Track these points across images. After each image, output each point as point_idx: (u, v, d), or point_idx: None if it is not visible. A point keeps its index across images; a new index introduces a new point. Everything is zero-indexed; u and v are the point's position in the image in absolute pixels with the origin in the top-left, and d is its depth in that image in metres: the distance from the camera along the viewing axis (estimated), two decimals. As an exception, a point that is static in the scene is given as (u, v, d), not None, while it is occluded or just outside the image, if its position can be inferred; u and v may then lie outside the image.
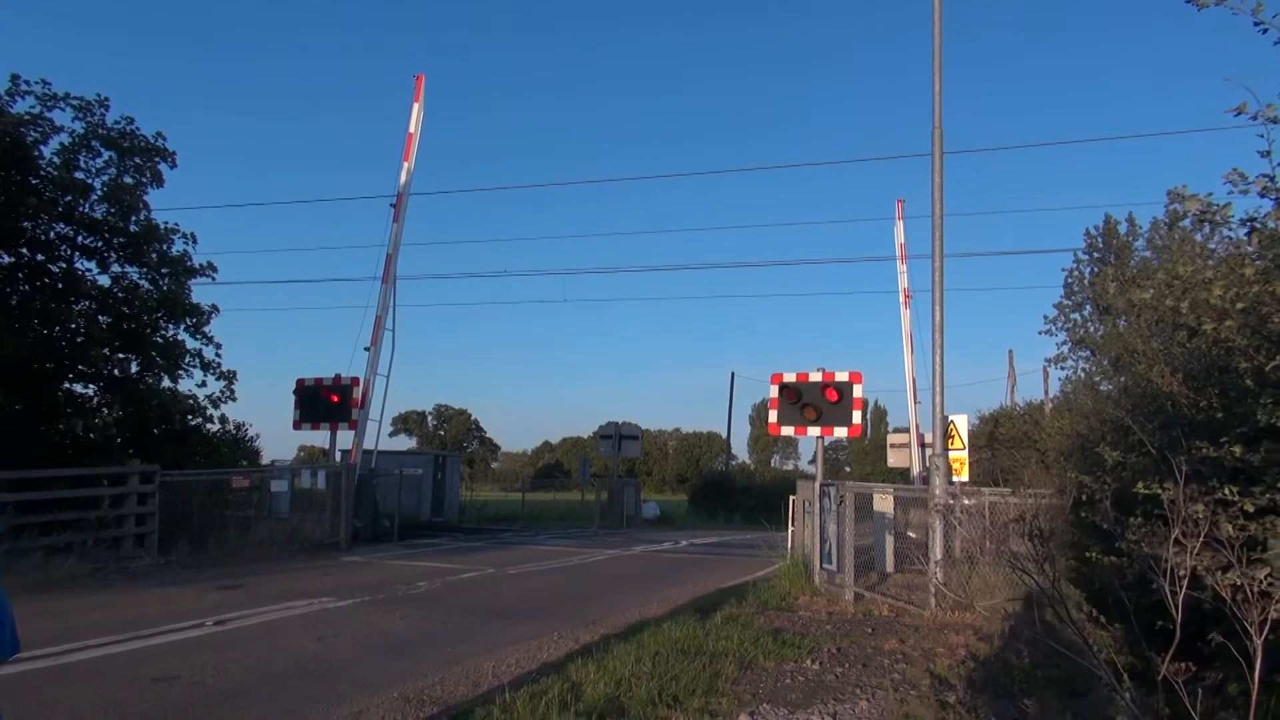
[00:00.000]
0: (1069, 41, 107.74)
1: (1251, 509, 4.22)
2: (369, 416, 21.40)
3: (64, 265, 17.28)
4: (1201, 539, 3.89)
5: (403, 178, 23.25)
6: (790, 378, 15.02)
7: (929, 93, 12.07)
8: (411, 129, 23.56)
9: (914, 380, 30.12)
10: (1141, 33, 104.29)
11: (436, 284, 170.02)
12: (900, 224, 31.57)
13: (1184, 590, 3.90)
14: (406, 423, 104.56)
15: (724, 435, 58.16)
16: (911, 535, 14.14)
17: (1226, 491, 4.23)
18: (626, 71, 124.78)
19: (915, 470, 27.35)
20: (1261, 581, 3.75)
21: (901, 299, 31.18)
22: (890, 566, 14.24)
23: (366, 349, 21.53)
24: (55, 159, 17.11)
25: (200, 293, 21.61)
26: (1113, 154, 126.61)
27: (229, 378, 19.48)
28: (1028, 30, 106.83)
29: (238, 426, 20.87)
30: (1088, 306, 35.57)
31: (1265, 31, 4.02)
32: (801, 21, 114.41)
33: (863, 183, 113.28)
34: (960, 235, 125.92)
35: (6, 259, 16.47)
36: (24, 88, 16.64)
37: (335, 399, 20.84)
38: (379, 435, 22.11)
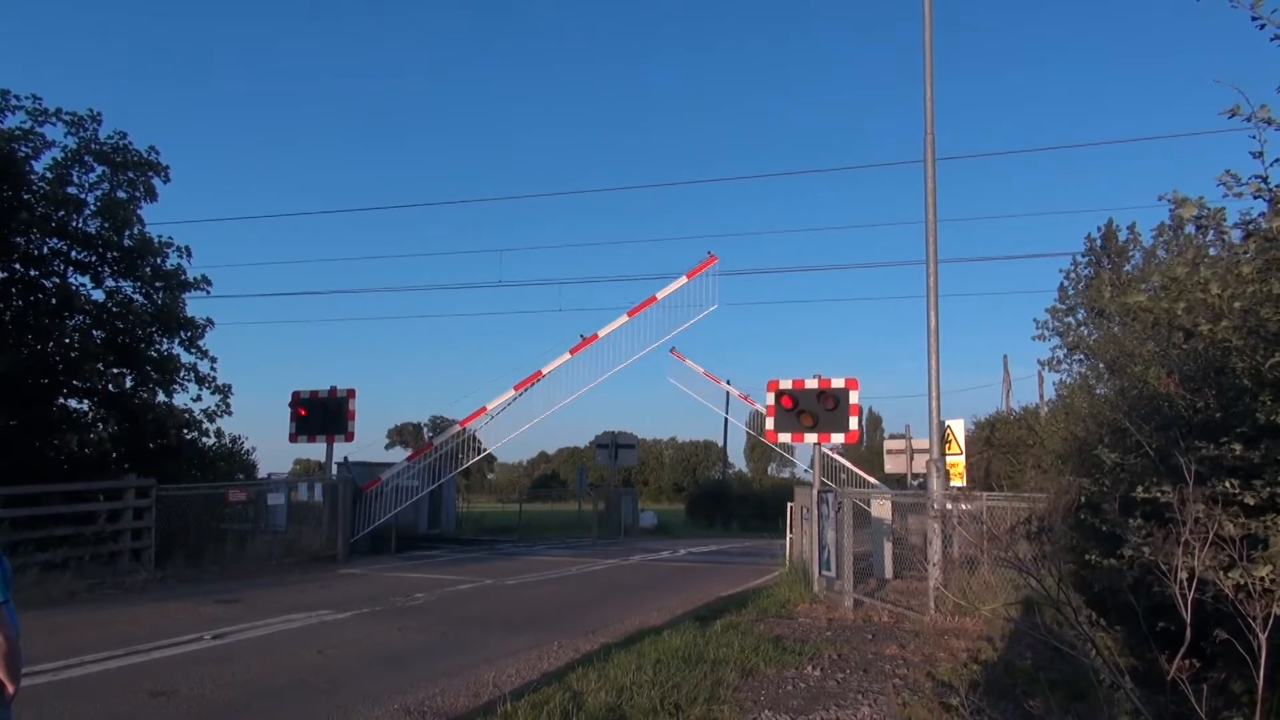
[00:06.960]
0: (1062, 48, 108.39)
1: (1252, 502, 4.22)
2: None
3: (57, 280, 17.25)
4: (1209, 540, 3.89)
5: (609, 328, 21.38)
6: (786, 384, 15.05)
7: (921, 100, 12.14)
8: (658, 294, 21.25)
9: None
10: (1133, 37, 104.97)
11: (437, 295, 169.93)
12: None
13: (1192, 590, 3.90)
14: (402, 435, 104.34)
15: (720, 444, 58.10)
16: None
17: (1228, 485, 4.23)
18: (617, 81, 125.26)
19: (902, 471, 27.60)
20: (1265, 580, 3.75)
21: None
22: (889, 573, 14.23)
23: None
24: (47, 174, 17.09)
25: (195, 306, 21.57)
26: (1108, 158, 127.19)
27: (224, 391, 19.42)
28: (1021, 38, 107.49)
29: (234, 440, 20.80)
30: (1081, 310, 35.66)
31: (1263, 27, 4.04)
32: (801, 26, 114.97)
33: (862, 189, 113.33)
34: (955, 240, 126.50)
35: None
36: (14, 103, 16.64)
37: (332, 411, 20.82)
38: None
